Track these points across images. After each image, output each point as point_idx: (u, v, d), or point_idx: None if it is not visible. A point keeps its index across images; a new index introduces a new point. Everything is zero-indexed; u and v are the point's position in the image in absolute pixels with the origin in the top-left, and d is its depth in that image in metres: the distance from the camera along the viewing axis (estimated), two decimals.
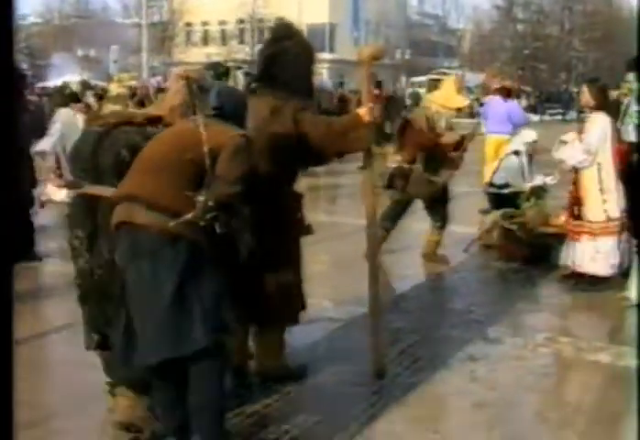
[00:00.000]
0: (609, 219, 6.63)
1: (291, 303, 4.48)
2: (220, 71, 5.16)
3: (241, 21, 57.81)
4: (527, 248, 7.71)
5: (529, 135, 8.68)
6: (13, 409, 1.77)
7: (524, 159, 8.42)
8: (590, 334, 5.80)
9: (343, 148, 4.49)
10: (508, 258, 7.82)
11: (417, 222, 8.23)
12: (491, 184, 8.64)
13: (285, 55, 4.35)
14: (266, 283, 4.34)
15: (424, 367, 4.94)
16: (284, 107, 4.26)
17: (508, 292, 6.89)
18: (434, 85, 24.69)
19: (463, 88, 7.73)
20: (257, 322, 4.53)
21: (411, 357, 5.08)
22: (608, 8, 62.81)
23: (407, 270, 7.61)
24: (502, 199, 8.45)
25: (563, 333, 5.75)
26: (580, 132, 6.80)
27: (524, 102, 51.22)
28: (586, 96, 6.83)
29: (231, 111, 3.71)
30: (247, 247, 3.82)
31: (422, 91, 31.22)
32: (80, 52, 51.03)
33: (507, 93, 12.64)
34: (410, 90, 35.62)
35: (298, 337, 4.90)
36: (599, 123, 6.68)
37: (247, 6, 55.11)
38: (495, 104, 12.58)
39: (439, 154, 7.23)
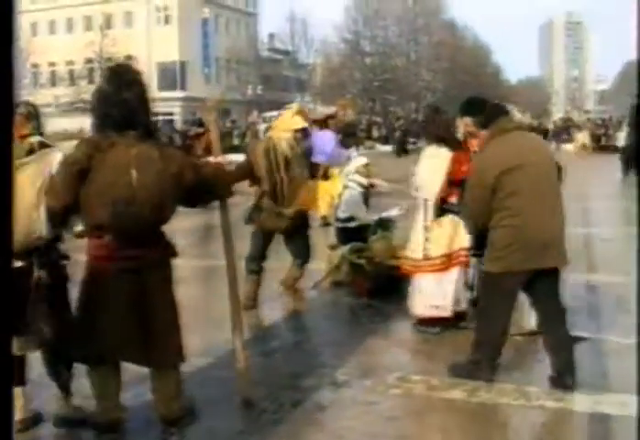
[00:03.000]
0: (426, 258, 6.26)
1: (180, 341, 4.33)
2: (37, 111, 4.74)
3: (89, 61, 56.63)
4: (375, 282, 7.50)
5: (359, 160, 8.59)
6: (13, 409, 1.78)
7: (359, 189, 8.32)
8: (443, 369, 5.49)
9: (218, 195, 4.72)
10: (358, 293, 7.58)
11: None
12: (337, 219, 8.44)
13: (144, 100, 4.32)
14: (156, 323, 4.16)
15: (268, 421, 4.59)
16: (168, 152, 4.34)
17: (358, 330, 6.62)
18: None
19: (303, 113, 7.43)
20: (155, 364, 4.29)
21: (255, 411, 4.72)
22: (452, 39, 65.01)
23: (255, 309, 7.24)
24: (349, 233, 8.26)
25: (415, 370, 5.51)
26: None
27: (375, 133, 52.24)
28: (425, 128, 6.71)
29: None
30: None
31: None
32: None
33: (323, 125, 12.55)
34: (264, 125, 35.43)
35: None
36: (425, 158, 6.38)
37: (95, 45, 54.04)
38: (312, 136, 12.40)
39: (284, 186, 6.92)
